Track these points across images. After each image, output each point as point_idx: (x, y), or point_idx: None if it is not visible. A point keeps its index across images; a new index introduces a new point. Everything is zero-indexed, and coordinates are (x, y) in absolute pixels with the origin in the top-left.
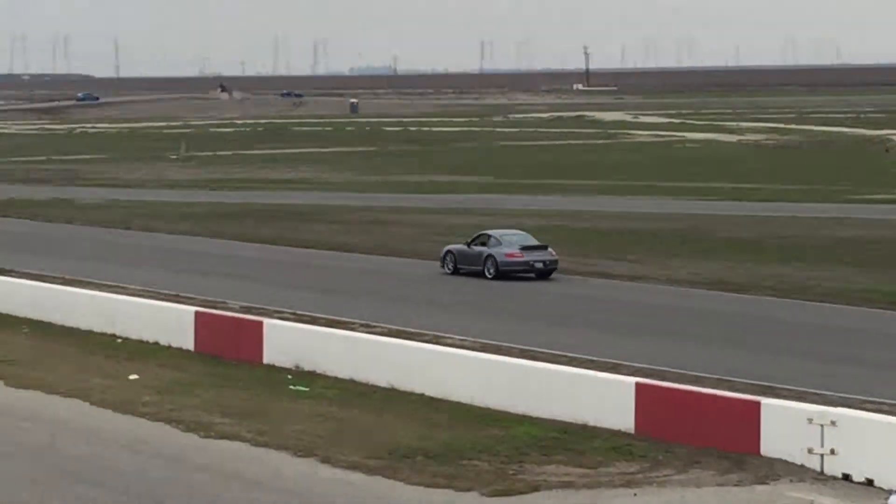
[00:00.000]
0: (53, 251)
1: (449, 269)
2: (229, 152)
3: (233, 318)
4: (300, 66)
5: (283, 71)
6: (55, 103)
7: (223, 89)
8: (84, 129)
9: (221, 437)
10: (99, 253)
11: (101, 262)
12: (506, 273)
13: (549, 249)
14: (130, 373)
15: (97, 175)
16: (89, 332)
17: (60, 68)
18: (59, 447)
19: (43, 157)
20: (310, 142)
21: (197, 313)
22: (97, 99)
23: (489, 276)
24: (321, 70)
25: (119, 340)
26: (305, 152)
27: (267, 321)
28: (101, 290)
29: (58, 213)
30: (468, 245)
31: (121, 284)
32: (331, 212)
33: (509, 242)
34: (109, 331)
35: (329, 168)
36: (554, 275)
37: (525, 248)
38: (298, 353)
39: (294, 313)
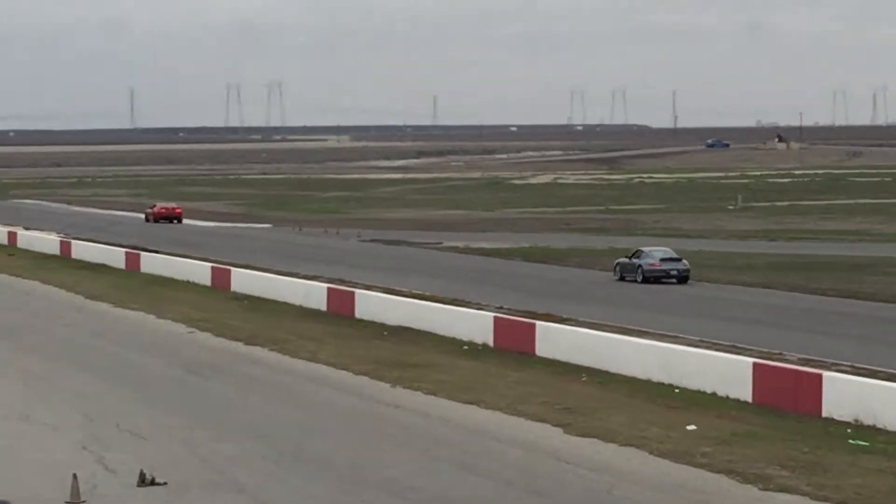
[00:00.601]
0: (611, 300)
1: (617, 276)
2: (786, 203)
3: (790, 369)
4: (859, 116)
5: (841, 121)
6: (613, 153)
7: (780, 139)
8: (641, 179)
9: (780, 490)
10: (654, 303)
11: (656, 311)
12: (648, 278)
13: (683, 261)
14: (688, 423)
15: (655, 225)
16: (647, 382)
17: (617, 119)
18: (617, 495)
19: (601, 207)
20: (868, 193)
21: (755, 364)
22: (727, 145)
23: (638, 281)
24: (880, 120)
25: (676, 390)
26: (863, 203)
27: (826, 374)
28: (658, 340)
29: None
30: (629, 258)
31: (677, 334)
32: (891, 264)
33: (653, 256)
34: (666, 380)
35: (888, 219)
36: None
37: (663, 260)
38: (858, 407)
39: (852, 366)
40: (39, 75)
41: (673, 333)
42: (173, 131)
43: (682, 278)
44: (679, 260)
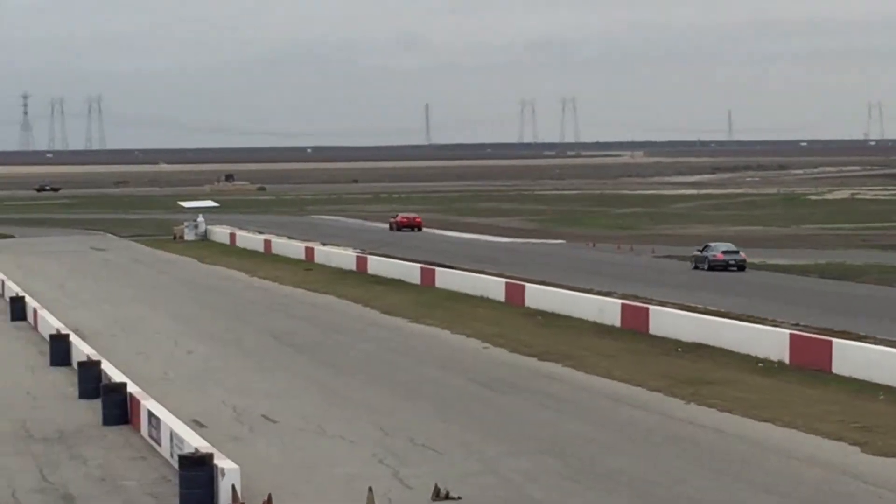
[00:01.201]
0: None
1: (692, 265)
2: None
3: None
4: None
5: None
6: None
7: None
8: None
9: None
10: None
11: None
12: (713, 267)
13: (740, 253)
14: None
15: None
16: None
17: None
18: None
19: None
20: None
21: None
22: None
23: (704, 269)
24: None
25: None
26: None
27: None
28: None
29: None
30: (700, 251)
31: None
32: None
33: (716, 249)
34: None
35: None
36: None
37: (725, 252)
38: None
39: None
40: (335, 93)
41: None
42: (474, 147)
43: (740, 267)
44: (737, 252)
